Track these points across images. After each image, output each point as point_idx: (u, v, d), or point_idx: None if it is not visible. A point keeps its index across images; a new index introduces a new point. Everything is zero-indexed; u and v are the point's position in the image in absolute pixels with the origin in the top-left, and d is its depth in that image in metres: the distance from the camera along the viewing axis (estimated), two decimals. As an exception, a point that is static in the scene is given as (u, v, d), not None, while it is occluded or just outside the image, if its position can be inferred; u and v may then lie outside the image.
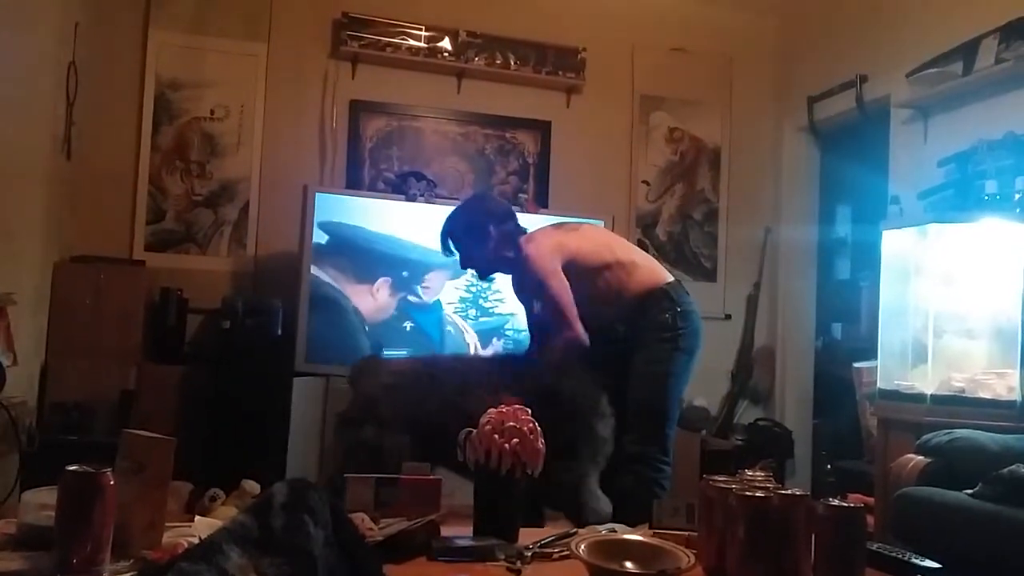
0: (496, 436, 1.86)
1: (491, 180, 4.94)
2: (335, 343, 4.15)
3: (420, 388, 2.88)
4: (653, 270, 3.16)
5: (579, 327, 2.97)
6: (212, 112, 4.55)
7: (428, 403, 2.77)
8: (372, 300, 4.26)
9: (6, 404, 2.85)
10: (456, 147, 4.92)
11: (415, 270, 4.31)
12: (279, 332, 4.10)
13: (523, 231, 3.18)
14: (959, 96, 3.90)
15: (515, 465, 1.85)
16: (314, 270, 4.16)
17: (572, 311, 2.98)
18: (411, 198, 4.37)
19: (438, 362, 3.30)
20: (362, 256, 4.26)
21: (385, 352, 4.06)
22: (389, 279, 4.29)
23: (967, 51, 3.82)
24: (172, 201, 4.47)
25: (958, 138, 3.83)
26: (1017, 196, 3.42)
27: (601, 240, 3.24)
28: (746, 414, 5.07)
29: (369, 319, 4.24)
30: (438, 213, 4.22)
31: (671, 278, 3.13)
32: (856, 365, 3.87)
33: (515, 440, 1.86)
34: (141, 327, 4.06)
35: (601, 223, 4.52)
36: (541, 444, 1.90)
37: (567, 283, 3.01)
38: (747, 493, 1.56)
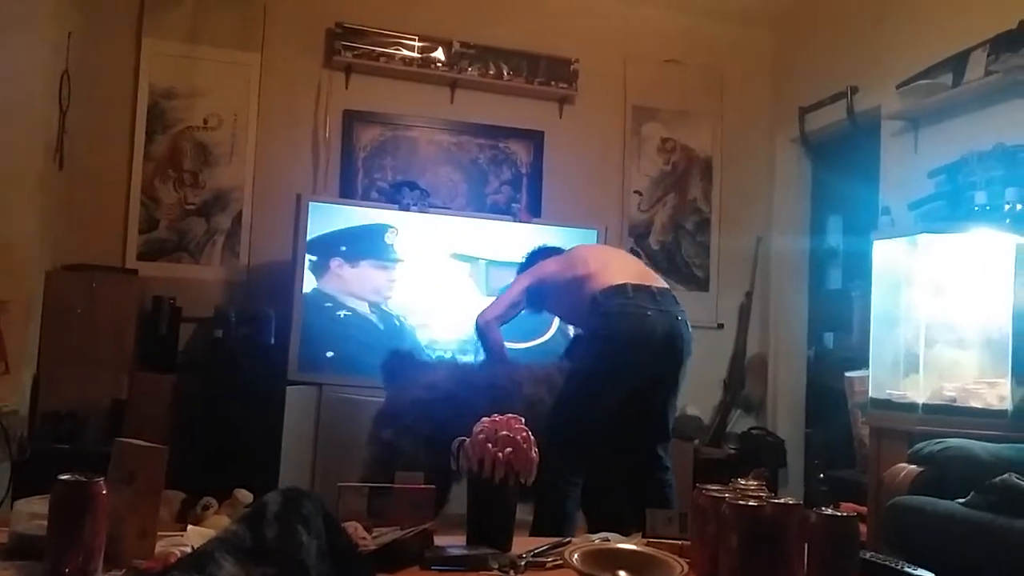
0: (489, 445, 1.86)
1: (484, 190, 4.95)
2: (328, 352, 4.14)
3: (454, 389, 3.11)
4: (603, 277, 3.16)
5: (485, 311, 3.33)
6: (205, 121, 4.55)
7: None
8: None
9: (-3, 413, 2.84)
10: (449, 157, 4.93)
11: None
12: (272, 341, 4.10)
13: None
14: (949, 107, 3.93)
15: (508, 474, 1.85)
16: (308, 278, 4.15)
17: (496, 302, 3.37)
18: (404, 207, 4.37)
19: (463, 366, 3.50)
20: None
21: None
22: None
23: (957, 63, 3.85)
24: (165, 210, 4.47)
25: (948, 149, 3.85)
26: (1007, 207, 3.44)
27: (579, 256, 3.39)
28: (739, 423, 5.07)
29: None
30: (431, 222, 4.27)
31: (616, 282, 3.10)
32: (848, 374, 3.87)
33: (508, 449, 1.86)
34: (133, 336, 4.05)
35: (595, 232, 4.55)
36: (535, 453, 1.90)
37: (515, 292, 3.38)
38: (740, 502, 1.56)
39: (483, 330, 3.35)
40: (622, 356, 3.02)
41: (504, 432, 1.88)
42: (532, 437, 1.91)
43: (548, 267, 3.43)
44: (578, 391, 3.04)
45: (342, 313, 4.20)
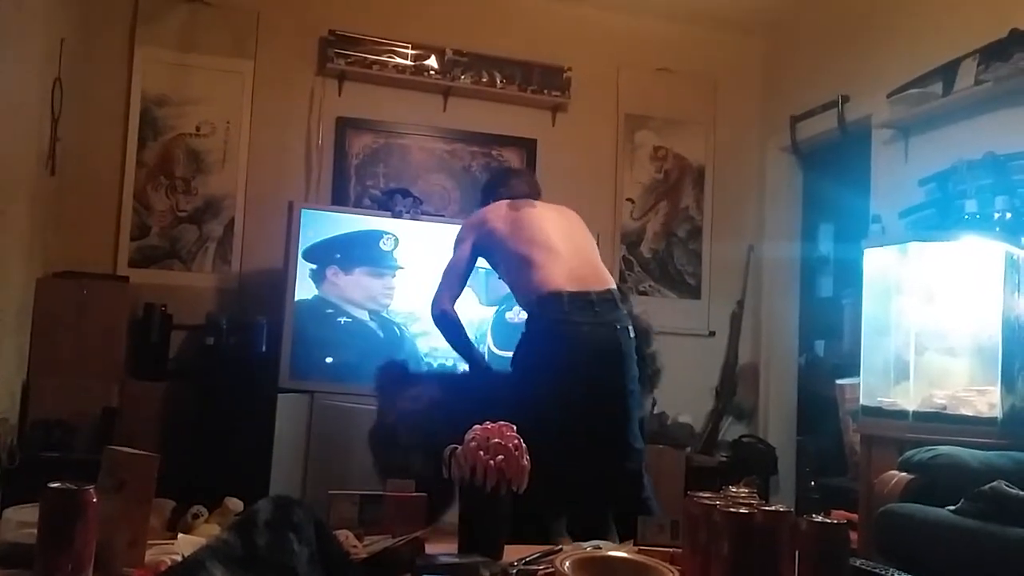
0: (481, 452, 1.86)
1: (477, 197, 4.95)
2: (319, 360, 4.13)
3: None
4: (545, 273, 2.99)
5: (437, 297, 3.10)
6: (198, 128, 4.55)
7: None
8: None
9: (-13, 421, 2.83)
10: (442, 164, 4.93)
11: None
12: (263, 349, 4.09)
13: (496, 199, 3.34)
14: (939, 116, 3.95)
15: (500, 482, 1.85)
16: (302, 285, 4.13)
17: (443, 282, 3.13)
18: (397, 215, 4.37)
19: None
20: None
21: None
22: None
23: (947, 72, 3.87)
24: (157, 217, 4.46)
25: (938, 158, 3.87)
26: (997, 215, 3.46)
27: (526, 232, 3.13)
28: (730, 431, 5.08)
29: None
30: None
31: (555, 287, 2.94)
32: (839, 382, 3.88)
33: (500, 457, 1.86)
34: (124, 343, 4.03)
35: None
36: (526, 461, 1.90)
37: (461, 257, 3.16)
38: (731, 510, 1.56)
39: (439, 321, 3.11)
40: (554, 381, 2.85)
41: (496, 440, 1.88)
42: (524, 444, 1.91)
43: (495, 223, 3.17)
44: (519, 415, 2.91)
45: (342, 320, 4.18)
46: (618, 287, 3.15)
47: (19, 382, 3.74)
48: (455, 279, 3.15)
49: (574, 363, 2.88)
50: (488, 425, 1.92)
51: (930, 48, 4.00)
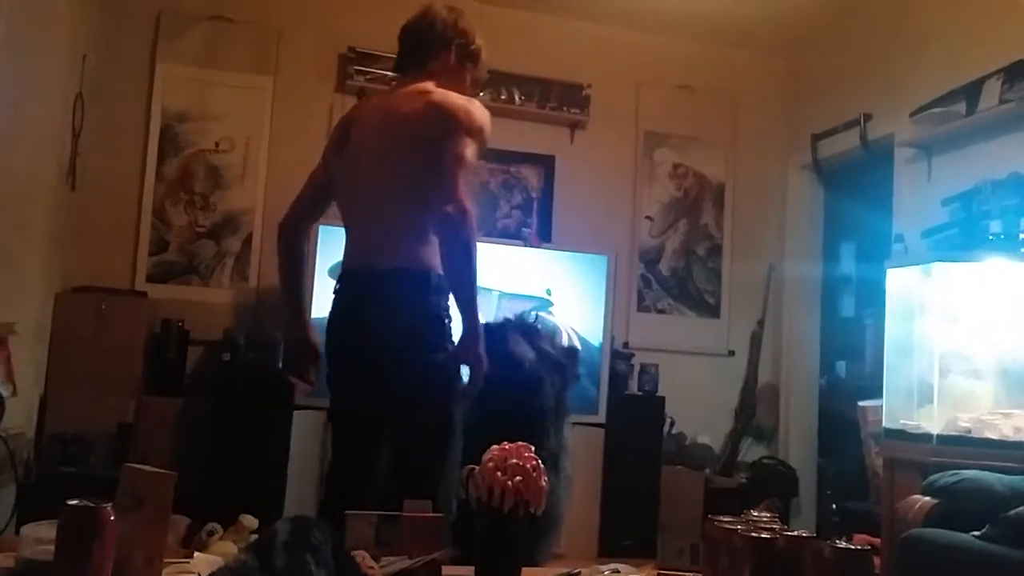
0: (499, 473, 1.84)
1: (495, 214, 4.95)
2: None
3: None
4: (346, 233, 2.46)
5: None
6: (217, 144, 4.57)
7: None
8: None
9: (4, 436, 2.83)
10: (461, 182, 4.92)
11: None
12: (280, 365, 4.08)
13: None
14: (963, 136, 3.91)
15: (518, 503, 1.82)
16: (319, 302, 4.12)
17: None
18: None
19: None
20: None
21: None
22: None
23: (970, 91, 3.84)
24: (175, 232, 4.47)
25: (962, 177, 3.83)
26: (1022, 236, 3.42)
27: (338, 171, 2.49)
28: (750, 452, 5.03)
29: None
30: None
31: (345, 257, 2.49)
32: (861, 404, 3.84)
33: (518, 478, 1.84)
34: (141, 359, 4.04)
35: (605, 258, 4.51)
36: (544, 482, 1.87)
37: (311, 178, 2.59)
38: (753, 534, 1.53)
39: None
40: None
41: (514, 460, 1.86)
42: (542, 466, 1.88)
43: (332, 141, 2.54)
44: None
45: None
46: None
47: (36, 396, 3.75)
48: (295, 200, 2.64)
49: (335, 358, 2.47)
50: (506, 445, 1.90)
51: (954, 67, 3.97)
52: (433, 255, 2.30)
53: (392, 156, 2.36)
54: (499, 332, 3.00)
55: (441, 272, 2.30)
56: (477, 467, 1.87)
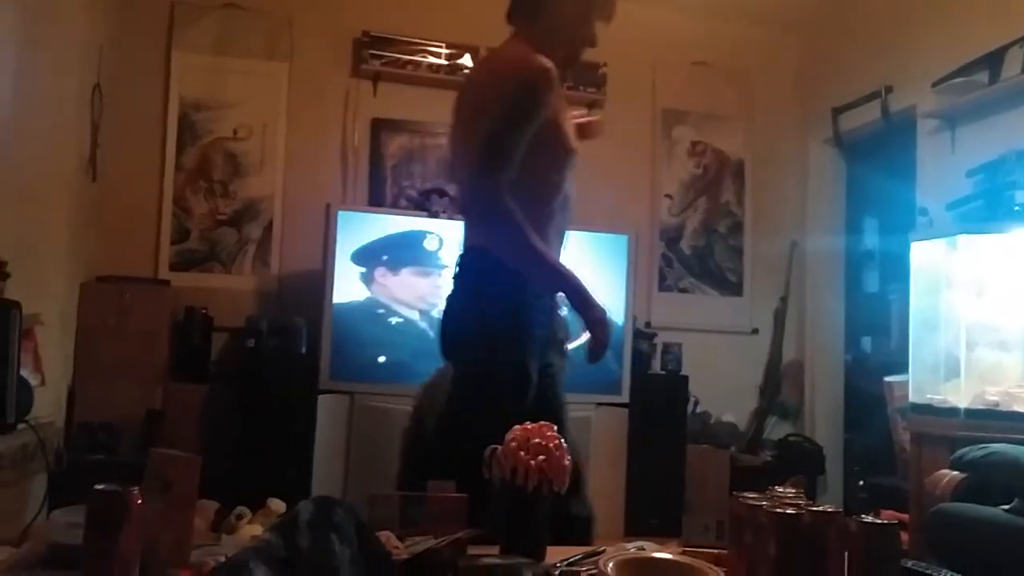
0: (522, 453, 1.84)
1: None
2: (359, 361, 4.13)
3: None
4: None
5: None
6: (235, 132, 4.58)
7: None
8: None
9: (34, 425, 2.86)
10: (478, 163, 4.91)
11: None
12: (303, 350, 4.11)
13: None
14: (986, 105, 3.86)
15: (541, 482, 1.83)
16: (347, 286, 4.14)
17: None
18: (434, 214, 4.37)
19: None
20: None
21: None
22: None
23: (993, 60, 3.78)
24: (196, 220, 4.50)
25: (986, 148, 3.79)
26: (1049, 206, 3.38)
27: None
28: (776, 430, 5.00)
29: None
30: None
31: None
32: (887, 379, 3.81)
33: (541, 457, 1.84)
34: (166, 346, 4.07)
35: (625, 238, 4.50)
36: (568, 461, 1.87)
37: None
38: (778, 510, 1.52)
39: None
40: None
41: (536, 439, 1.86)
42: (565, 444, 1.88)
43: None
44: None
45: (391, 320, 4.17)
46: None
47: (64, 386, 3.79)
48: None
49: None
50: (528, 425, 1.90)
51: (975, 36, 3.91)
52: None
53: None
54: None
55: None
56: (499, 447, 1.88)
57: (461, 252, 2.27)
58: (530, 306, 2.14)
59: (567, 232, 2.31)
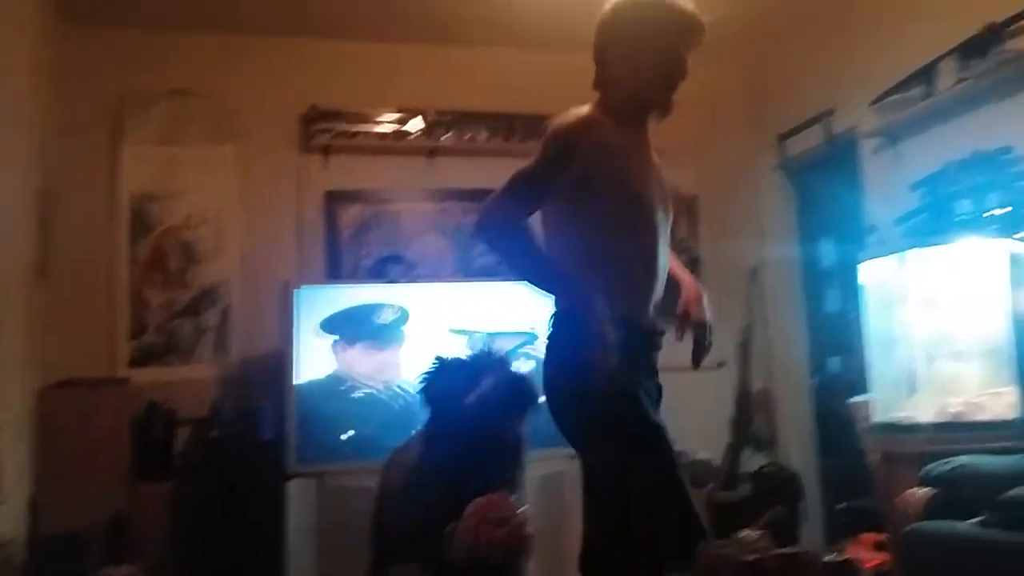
0: (481, 527, 1.82)
1: (471, 253, 4.93)
2: (326, 440, 4.05)
3: None
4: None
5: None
6: (188, 220, 4.56)
7: None
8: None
9: (-3, 547, 2.77)
10: (435, 225, 4.92)
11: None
12: (268, 435, 4.03)
13: None
14: (924, 119, 3.91)
15: (509, 552, 1.80)
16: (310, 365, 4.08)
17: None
18: (390, 281, 4.36)
19: None
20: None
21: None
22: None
23: (927, 74, 3.84)
24: (153, 313, 4.45)
25: (928, 161, 3.84)
26: (992, 212, 3.41)
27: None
28: (752, 461, 4.93)
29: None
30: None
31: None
32: (851, 400, 3.78)
33: (503, 529, 1.82)
34: (128, 446, 3.97)
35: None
36: (528, 530, 1.85)
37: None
38: (741, 559, 1.52)
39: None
40: None
41: (495, 513, 1.84)
42: (525, 514, 1.86)
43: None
44: None
45: (356, 394, 4.10)
46: None
47: (24, 498, 3.68)
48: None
49: None
50: (487, 499, 1.88)
51: (907, 52, 3.96)
52: None
53: None
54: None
55: None
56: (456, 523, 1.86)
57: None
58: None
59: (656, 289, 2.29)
